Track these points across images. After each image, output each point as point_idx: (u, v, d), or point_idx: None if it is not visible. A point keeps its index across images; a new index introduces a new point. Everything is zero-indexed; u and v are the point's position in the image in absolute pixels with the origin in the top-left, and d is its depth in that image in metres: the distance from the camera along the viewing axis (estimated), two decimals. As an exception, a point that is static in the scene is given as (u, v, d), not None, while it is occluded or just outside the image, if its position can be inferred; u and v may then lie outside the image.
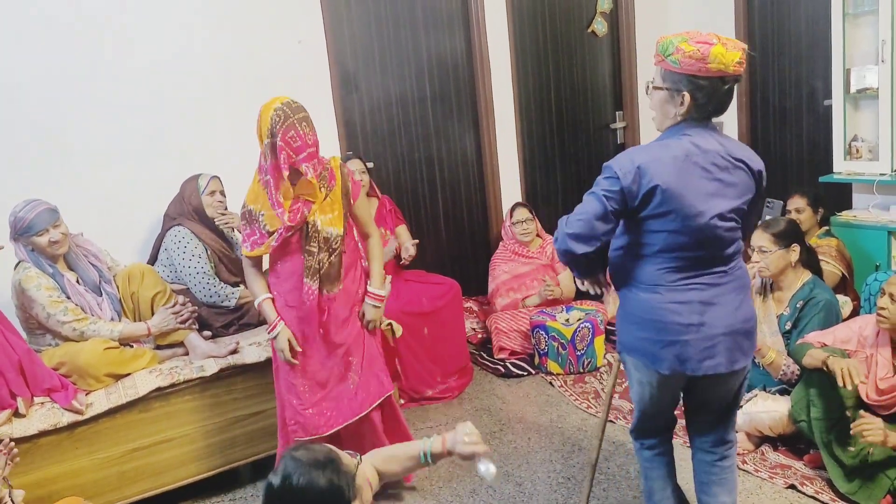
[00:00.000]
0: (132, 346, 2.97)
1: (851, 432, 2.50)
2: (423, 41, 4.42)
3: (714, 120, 2.04)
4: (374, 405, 2.68)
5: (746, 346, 2.09)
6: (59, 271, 2.91)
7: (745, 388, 2.27)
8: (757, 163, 2.03)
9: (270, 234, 2.51)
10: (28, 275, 2.82)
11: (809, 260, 3.12)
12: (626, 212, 1.99)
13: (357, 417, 2.65)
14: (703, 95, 1.93)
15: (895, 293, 2.59)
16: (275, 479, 1.56)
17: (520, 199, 4.70)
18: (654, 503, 2.36)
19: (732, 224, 2.01)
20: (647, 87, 2.05)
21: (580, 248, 2.01)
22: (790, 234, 3.02)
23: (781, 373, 2.94)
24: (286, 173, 2.46)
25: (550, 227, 4.65)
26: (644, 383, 2.15)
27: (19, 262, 2.87)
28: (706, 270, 2.01)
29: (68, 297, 2.87)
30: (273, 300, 2.62)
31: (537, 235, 4.42)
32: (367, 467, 1.70)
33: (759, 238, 3.00)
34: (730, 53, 1.88)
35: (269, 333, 2.60)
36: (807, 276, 3.07)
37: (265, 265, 2.70)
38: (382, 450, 1.92)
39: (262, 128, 2.47)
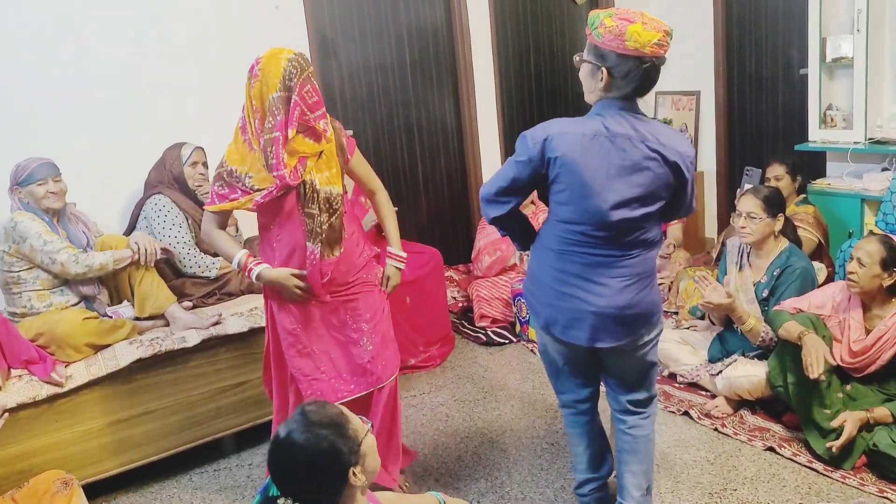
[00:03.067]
0: (111, 317, 2.93)
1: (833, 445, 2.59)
2: (403, 7, 4.35)
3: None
4: (393, 375, 2.51)
5: (619, 331, 2.08)
6: (53, 224, 2.88)
7: (652, 371, 2.26)
8: (674, 153, 1.96)
9: (256, 191, 2.25)
10: (21, 214, 2.80)
11: (785, 228, 3.16)
12: (541, 179, 2.04)
13: (379, 386, 2.48)
14: (619, 73, 1.93)
15: (862, 258, 2.66)
16: (282, 430, 1.60)
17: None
18: (573, 454, 2.44)
19: (634, 213, 1.97)
20: (576, 58, 2.06)
21: (492, 212, 2.12)
22: (778, 204, 3.06)
23: (760, 339, 2.98)
24: (293, 132, 2.19)
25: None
26: (538, 331, 2.25)
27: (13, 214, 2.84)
28: (597, 250, 2.02)
29: None
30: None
31: (531, 202, 4.37)
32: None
33: (750, 204, 3.03)
34: (646, 33, 1.87)
35: (254, 279, 2.29)
36: (784, 244, 3.11)
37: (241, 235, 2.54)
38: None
39: (268, 79, 2.16)
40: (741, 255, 3.17)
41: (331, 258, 2.35)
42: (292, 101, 2.17)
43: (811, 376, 2.58)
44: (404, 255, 2.57)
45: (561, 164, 1.95)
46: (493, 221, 2.17)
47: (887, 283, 2.66)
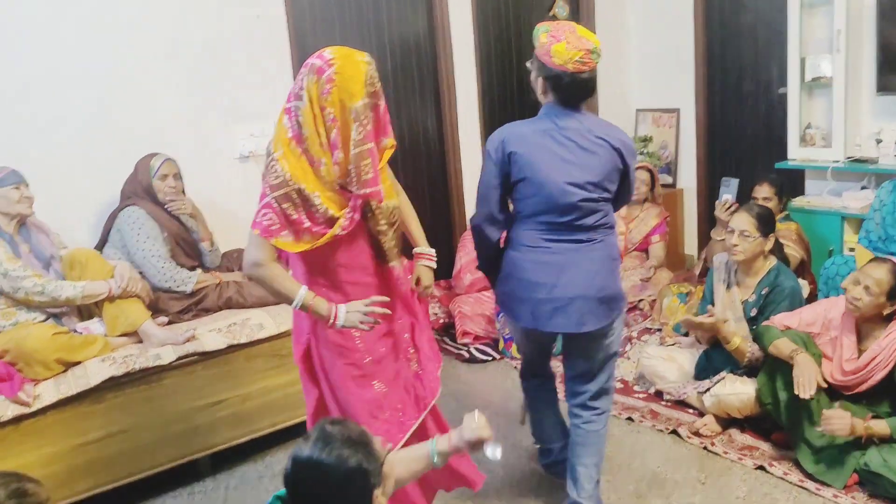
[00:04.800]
0: (81, 333, 2.81)
1: (820, 429, 2.56)
2: (385, 18, 4.30)
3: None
4: (439, 390, 2.31)
5: (601, 311, 2.26)
6: (14, 240, 2.76)
7: (611, 362, 2.44)
8: (617, 141, 2.21)
9: (333, 220, 1.97)
10: None
11: (773, 247, 3.15)
12: (508, 182, 2.25)
13: (433, 403, 2.28)
14: (550, 84, 2.18)
15: (871, 286, 2.60)
16: (304, 449, 1.48)
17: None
18: (538, 427, 2.70)
19: (592, 194, 2.19)
20: (528, 64, 2.28)
21: (495, 234, 2.32)
22: (770, 223, 3.05)
23: (747, 359, 2.95)
24: (391, 141, 2.06)
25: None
26: (517, 332, 2.49)
27: None
28: (566, 236, 2.22)
29: None
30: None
31: None
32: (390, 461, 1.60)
33: (744, 222, 3.00)
34: (568, 52, 2.09)
35: (334, 323, 1.99)
36: (772, 262, 3.09)
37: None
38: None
39: (348, 84, 1.91)
40: (728, 273, 3.15)
41: (399, 273, 2.20)
42: (381, 108, 2.01)
43: (803, 396, 2.56)
44: (433, 251, 2.33)
45: (517, 158, 2.19)
46: (489, 241, 2.36)
47: (888, 311, 2.64)
